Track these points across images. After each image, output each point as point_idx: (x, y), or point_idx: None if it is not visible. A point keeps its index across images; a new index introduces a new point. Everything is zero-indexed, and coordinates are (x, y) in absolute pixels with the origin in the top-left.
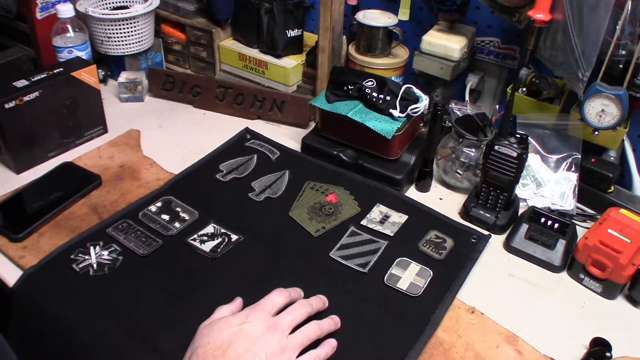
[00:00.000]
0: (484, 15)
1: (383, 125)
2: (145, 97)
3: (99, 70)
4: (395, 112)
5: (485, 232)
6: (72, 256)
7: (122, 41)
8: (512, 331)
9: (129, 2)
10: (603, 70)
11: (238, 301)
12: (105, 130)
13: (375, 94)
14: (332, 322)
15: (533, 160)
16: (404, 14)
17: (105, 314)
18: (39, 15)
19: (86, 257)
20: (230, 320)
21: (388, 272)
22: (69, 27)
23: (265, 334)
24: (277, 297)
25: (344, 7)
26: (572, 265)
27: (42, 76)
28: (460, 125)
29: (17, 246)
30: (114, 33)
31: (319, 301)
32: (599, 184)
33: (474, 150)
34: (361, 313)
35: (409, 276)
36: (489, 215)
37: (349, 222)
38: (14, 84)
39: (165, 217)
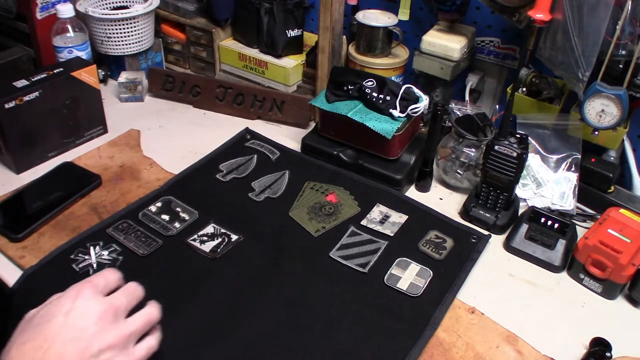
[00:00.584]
0: (484, 15)
1: (383, 125)
2: (145, 97)
3: (99, 70)
4: (395, 112)
5: (485, 232)
6: (72, 256)
7: (122, 41)
8: (512, 331)
9: (129, 2)
10: (603, 70)
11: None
12: (105, 130)
13: (375, 94)
14: (159, 306)
15: (533, 160)
16: (404, 14)
17: None
18: (39, 15)
19: (86, 257)
20: (55, 308)
21: (388, 272)
22: (69, 27)
23: (97, 322)
24: (111, 275)
25: (344, 7)
26: (572, 265)
27: (42, 76)
28: (460, 125)
29: (17, 246)
30: (114, 33)
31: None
32: (599, 184)
33: (474, 150)
34: (361, 313)
35: (409, 276)
36: (489, 215)
37: (349, 222)
38: (14, 84)
39: (165, 217)
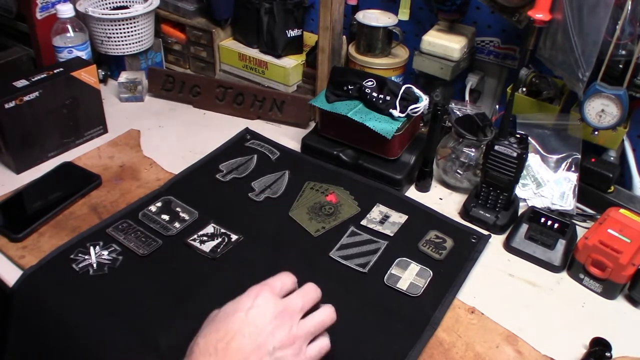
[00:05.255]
0: (484, 15)
1: (383, 125)
2: (145, 97)
3: (99, 70)
4: (395, 112)
5: (485, 232)
6: (72, 256)
7: (122, 41)
8: (512, 331)
9: (129, 2)
10: (603, 70)
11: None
12: (105, 130)
13: (375, 94)
14: (333, 309)
15: (533, 160)
16: (404, 14)
17: (105, 314)
18: (39, 15)
19: (86, 257)
20: (236, 305)
21: (388, 272)
22: (69, 27)
23: (273, 321)
24: (287, 278)
25: (344, 7)
26: (572, 265)
27: (42, 76)
28: (460, 125)
29: (17, 246)
30: (114, 33)
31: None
32: (599, 184)
33: (474, 150)
34: (361, 313)
35: (409, 276)
36: (489, 215)
37: (349, 222)
38: (14, 84)
39: (165, 217)
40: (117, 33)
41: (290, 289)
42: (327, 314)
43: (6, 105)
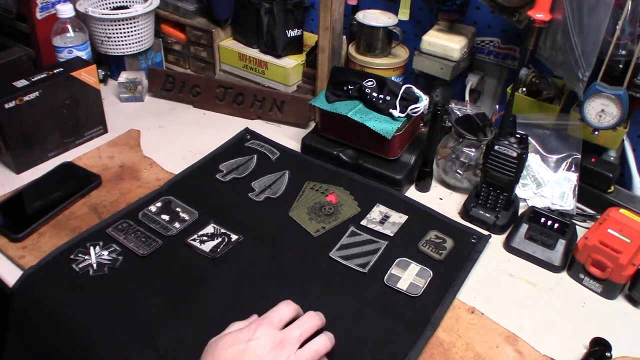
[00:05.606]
0: (484, 15)
1: (383, 125)
2: (145, 97)
3: (99, 70)
4: (395, 112)
5: (485, 232)
6: (72, 256)
7: (122, 41)
8: (512, 331)
9: (129, 2)
10: (603, 70)
11: (253, 318)
12: (105, 130)
13: (375, 94)
14: (332, 337)
15: (533, 160)
16: (404, 14)
17: (105, 314)
18: (39, 15)
19: (86, 257)
20: (236, 337)
21: (388, 273)
22: (69, 27)
23: (272, 352)
24: (285, 309)
25: (344, 7)
26: (572, 265)
27: (42, 76)
28: (460, 125)
29: (17, 246)
30: (114, 33)
31: (322, 316)
32: (599, 184)
33: (474, 150)
34: (361, 313)
35: (408, 276)
36: (489, 215)
37: (349, 222)
38: (14, 84)
39: (165, 217)
40: (117, 33)
41: (289, 318)
42: (323, 342)
43: (6, 105)
